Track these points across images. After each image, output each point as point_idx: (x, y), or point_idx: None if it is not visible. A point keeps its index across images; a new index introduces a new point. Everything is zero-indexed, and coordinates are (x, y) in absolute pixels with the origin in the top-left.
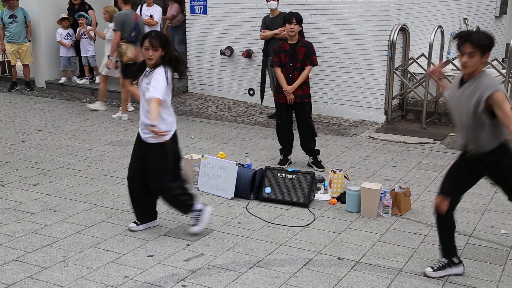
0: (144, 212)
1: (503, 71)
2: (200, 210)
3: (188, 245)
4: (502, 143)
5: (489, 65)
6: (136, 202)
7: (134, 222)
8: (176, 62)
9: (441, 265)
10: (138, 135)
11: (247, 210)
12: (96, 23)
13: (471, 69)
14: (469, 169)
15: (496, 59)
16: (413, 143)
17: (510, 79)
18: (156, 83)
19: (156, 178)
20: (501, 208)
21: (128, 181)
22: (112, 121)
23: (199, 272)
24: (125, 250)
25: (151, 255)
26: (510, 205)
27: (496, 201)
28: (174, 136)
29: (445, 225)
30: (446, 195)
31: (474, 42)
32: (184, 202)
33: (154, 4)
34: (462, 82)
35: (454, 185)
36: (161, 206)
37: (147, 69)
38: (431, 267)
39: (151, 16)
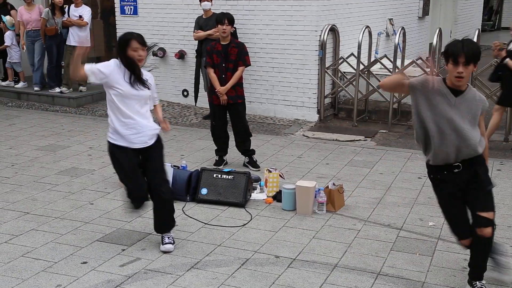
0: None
1: (427, 70)
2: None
3: (124, 250)
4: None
5: (414, 64)
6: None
7: (169, 243)
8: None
9: None
10: (127, 149)
11: (184, 212)
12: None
13: (465, 80)
14: (456, 192)
15: (420, 58)
16: (345, 141)
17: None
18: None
19: (167, 181)
20: (428, 201)
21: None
22: (40, 125)
23: (135, 277)
24: (57, 258)
25: (85, 262)
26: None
27: (424, 194)
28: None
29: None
30: (467, 237)
31: (469, 54)
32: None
33: (83, 5)
34: (453, 91)
35: (466, 224)
36: (93, 211)
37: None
38: None
39: (80, 16)
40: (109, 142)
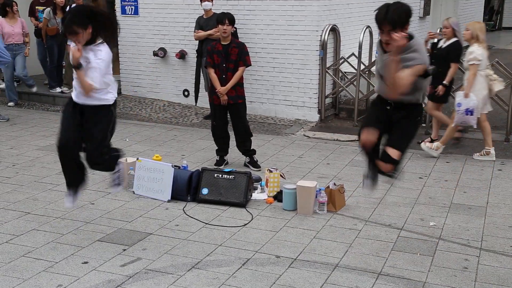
0: (78, 178)
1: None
2: (119, 169)
3: (125, 250)
4: (421, 103)
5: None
6: (70, 170)
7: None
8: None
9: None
10: (73, 103)
11: (184, 212)
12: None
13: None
14: (386, 114)
15: None
16: (346, 141)
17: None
18: (98, 68)
19: (100, 145)
20: (429, 201)
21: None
22: (41, 125)
23: (136, 277)
24: (58, 258)
25: (86, 262)
26: (437, 198)
27: (425, 194)
28: (115, 102)
29: (374, 154)
30: (371, 127)
31: (392, 21)
32: (114, 160)
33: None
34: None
35: (377, 121)
36: (94, 211)
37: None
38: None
39: None
40: None
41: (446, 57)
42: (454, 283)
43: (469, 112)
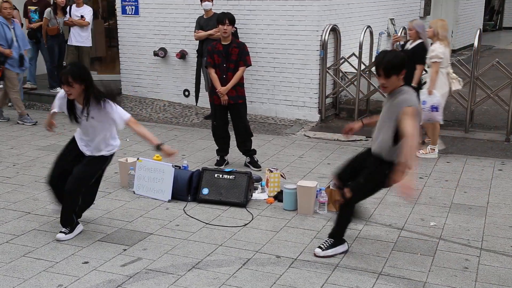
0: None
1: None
2: (77, 224)
3: (125, 250)
4: (393, 162)
5: None
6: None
7: (62, 232)
8: (105, 95)
9: (329, 244)
10: (75, 148)
11: (185, 212)
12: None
13: (390, 89)
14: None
15: None
16: (346, 141)
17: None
18: (118, 111)
19: (77, 178)
20: (430, 201)
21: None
22: (42, 125)
23: (136, 277)
24: (58, 258)
25: (86, 262)
26: (438, 198)
27: (425, 194)
28: (111, 156)
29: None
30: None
31: (386, 68)
32: (73, 214)
33: (84, 5)
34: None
35: (346, 169)
36: (94, 211)
37: (79, 105)
38: (320, 247)
39: (81, 16)
40: None
41: (411, 58)
42: (454, 283)
43: (434, 108)
